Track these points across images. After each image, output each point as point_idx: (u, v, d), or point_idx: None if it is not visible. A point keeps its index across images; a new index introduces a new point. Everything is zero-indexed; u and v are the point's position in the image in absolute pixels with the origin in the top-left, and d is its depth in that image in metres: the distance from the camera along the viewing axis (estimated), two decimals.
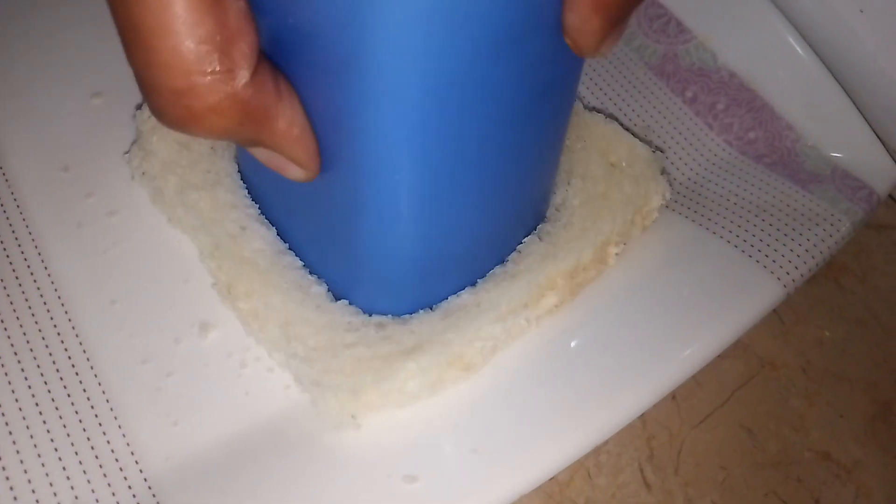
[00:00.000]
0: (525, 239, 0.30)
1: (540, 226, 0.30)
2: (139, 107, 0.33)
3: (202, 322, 0.29)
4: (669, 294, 0.30)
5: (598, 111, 0.34)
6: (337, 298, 0.28)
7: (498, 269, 0.29)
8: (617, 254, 0.30)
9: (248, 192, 0.31)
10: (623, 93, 0.36)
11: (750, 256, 0.30)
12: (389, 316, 0.28)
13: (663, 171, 0.32)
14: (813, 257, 0.31)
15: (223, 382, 0.28)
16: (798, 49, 0.35)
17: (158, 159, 0.31)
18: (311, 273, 0.29)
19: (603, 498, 0.29)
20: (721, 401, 0.32)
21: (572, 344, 0.29)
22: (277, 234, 0.30)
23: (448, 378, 0.27)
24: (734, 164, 0.34)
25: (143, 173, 0.31)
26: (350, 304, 0.28)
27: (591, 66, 0.37)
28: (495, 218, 0.28)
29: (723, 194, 0.33)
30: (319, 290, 0.28)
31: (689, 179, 0.34)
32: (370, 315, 0.28)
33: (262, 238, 0.29)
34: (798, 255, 0.31)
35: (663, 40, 0.37)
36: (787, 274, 0.30)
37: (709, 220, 0.32)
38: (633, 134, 0.32)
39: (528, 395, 0.27)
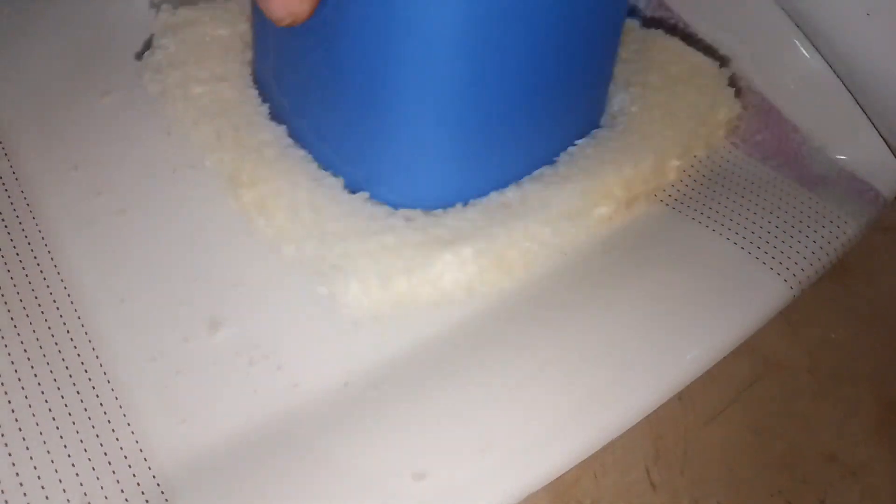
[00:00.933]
0: (578, 142, 0.27)
1: (594, 131, 0.27)
2: (153, 5, 0.32)
3: (211, 320, 0.29)
4: (676, 295, 0.30)
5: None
6: (354, 192, 0.25)
7: (547, 170, 0.26)
8: (684, 170, 0.27)
9: (259, 94, 0.29)
10: None
11: (757, 258, 0.31)
12: (419, 210, 0.25)
13: (731, 84, 0.29)
14: (820, 259, 0.31)
15: (231, 381, 0.28)
16: (804, 52, 0.35)
17: (168, 57, 0.29)
18: (324, 169, 0.26)
19: (609, 497, 0.29)
20: (727, 401, 0.32)
21: (578, 344, 0.28)
22: (288, 134, 0.27)
23: (486, 279, 0.25)
24: (741, 166, 0.35)
25: (153, 70, 0.30)
26: (370, 197, 0.25)
27: None
28: (542, 107, 0.25)
29: (729, 196, 0.33)
30: (335, 181, 0.25)
31: (696, 181, 0.34)
32: (395, 208, 0.25)
33: (270, 131, 0.27)
34: (805, 257, 0.31)
35: None
36: (794, 276, 0.30)
37: (715, 221, 0.32)
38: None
39: (535, 394, 0.27)
